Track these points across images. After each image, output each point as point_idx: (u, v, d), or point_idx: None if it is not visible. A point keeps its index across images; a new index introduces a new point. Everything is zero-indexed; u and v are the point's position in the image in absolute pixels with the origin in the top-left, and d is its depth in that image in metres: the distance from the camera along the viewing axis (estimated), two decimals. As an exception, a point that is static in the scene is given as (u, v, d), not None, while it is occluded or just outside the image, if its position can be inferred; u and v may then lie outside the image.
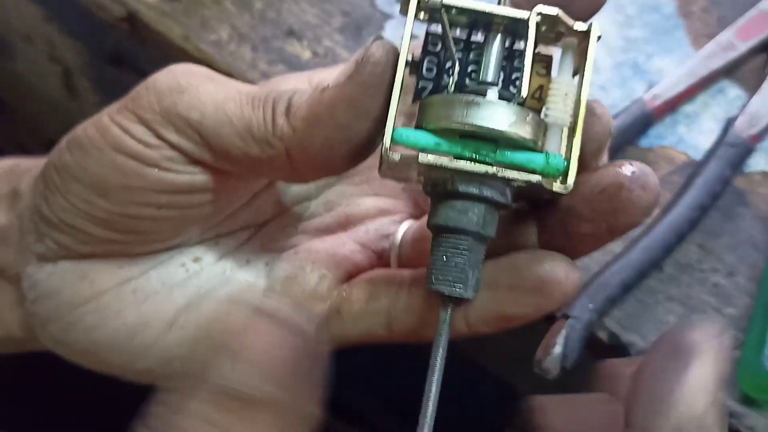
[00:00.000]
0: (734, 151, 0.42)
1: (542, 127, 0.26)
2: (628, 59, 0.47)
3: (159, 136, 0.28)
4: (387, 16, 0.48)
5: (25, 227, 0.31)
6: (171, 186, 0.29)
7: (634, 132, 0.43)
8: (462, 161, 0.25)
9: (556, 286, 0.27)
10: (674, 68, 0.46)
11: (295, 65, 0.46)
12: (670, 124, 0.45)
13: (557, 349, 0.36)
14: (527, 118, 0.25)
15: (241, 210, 0.32)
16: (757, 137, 0.43)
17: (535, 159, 0.25)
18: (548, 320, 0.38)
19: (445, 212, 0.26)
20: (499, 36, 0.27)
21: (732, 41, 0.46)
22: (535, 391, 0.62)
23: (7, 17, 0.78)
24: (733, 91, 0.46)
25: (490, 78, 0.26)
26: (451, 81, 0.27)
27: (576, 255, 0.28)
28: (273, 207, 0.33)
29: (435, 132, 0.25)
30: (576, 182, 0.26)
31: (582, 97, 0.26)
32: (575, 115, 0.26)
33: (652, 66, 0.47)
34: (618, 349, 0.38)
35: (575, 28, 0.27)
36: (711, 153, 0.42)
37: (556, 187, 0.25)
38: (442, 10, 0.26)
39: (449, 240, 0.26)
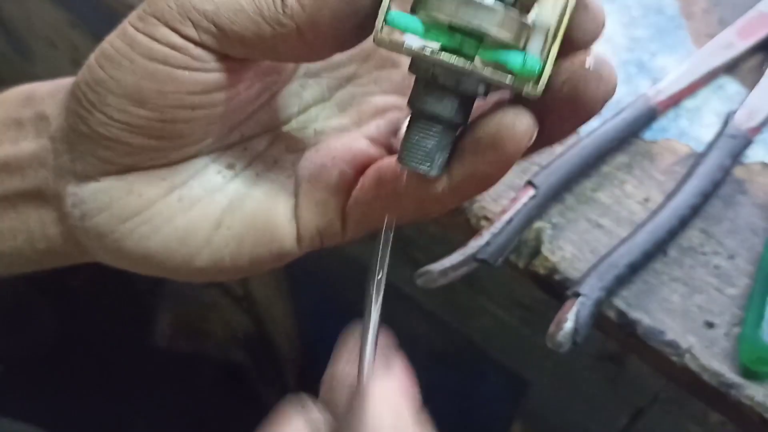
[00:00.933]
0: (734, 142, 0.44)
1: (526, 31, 0.27)
2: (633, 57, 0.50)
3: (183, 35, 0.29)
4: None
5: (60, 148, 0.32)
6: (201, 85, 0.30)
7: (639, 125, 0.46)
8: (444, 54, 0.26)
9: (508, 132, 0.27)
10: (677, 66, 0.48)
11: None
12: (673, 118, 0.47)
13: (569, 325, 0.39)
14: (514, 19, 0.26)
15: (262, 111, 0.33)
16: (756, 129, 0.45)
17: (513, 60, 0.26)
18: (560, 298, 0.41)
19: (423, 97, 0.28)
20: None
21: (732, 40, 0.49)
22: (542, 380, 0.65)
23: (31, 22, 0.80)
24: (732, 87, 0.48)
25: None
26: None
27: (544, 143, 0.29)
28: (291, 109, 0.34)
29: (426, 20, 0.27)
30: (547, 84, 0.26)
31: (569, 2, 0.26)
32: (559, 20, 0.26)
33: (656, 64, 0.49)
34: (626, 326, 0.41)
35: None
36: (712, 144, 0.45)
37: (527, 89, 0.26)
38: None
39: (423, 123, 0.28)
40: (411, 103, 0.28)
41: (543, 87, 0.26)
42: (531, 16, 0.27)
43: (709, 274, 0.42)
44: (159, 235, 0.31)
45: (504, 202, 0.43)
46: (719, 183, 0.44)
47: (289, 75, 0.34)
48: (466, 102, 0.28)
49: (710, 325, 0.40)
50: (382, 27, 0.26)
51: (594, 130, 0.45)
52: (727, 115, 0.46)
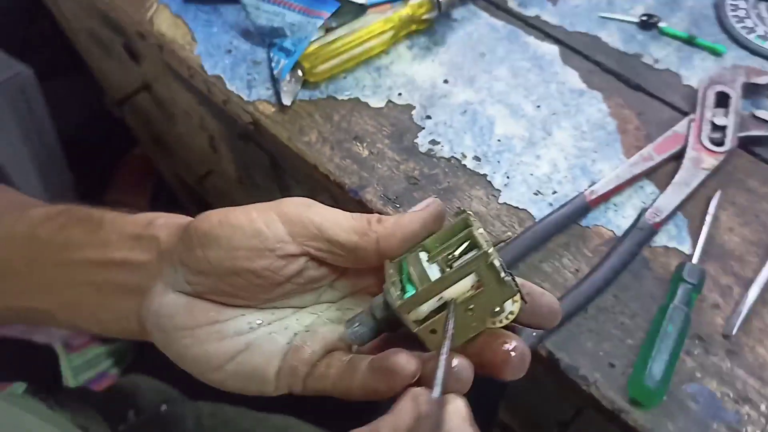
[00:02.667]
0: (642, 233, 0.48)
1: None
2: (579, 163, 0.53)
3: (299, 243, 0.32)
4: (420, 128, 0.56)
5: (163, 262, 0.34)
6: (284, 276, 0.32)
7: (577, 215, 0.49)
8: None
9: (397, 373, 0.29)
10: (610, 171, 0.52)
11: (358, 160, 0.54)
12: (603, 210, 0.51)
13: (510, 361, 0.43)
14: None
15: (297, 295, 0.35)
16: (659, 224, 0.48)
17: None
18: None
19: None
20: None
21: (651, 154, 0.52)
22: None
23: (174, 99, 0.87)
24: (649, 188, 0.51)
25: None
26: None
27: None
28: (312, 300, 0.36)
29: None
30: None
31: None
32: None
33: (596, 168, 0.53)
34: (552, 361, 0.45)
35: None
36: (626, 234, 0.48)
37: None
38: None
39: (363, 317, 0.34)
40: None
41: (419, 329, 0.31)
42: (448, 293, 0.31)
43: (615, 328, 0.45)
44: (194, 349, 0.33)
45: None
46: (628, 263, 0.47)
47: (326, 280, 0.35)
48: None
49: (612, 365, 0.44)
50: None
51: (545, 216, 0.49)
52: (640, 212, 0.49)
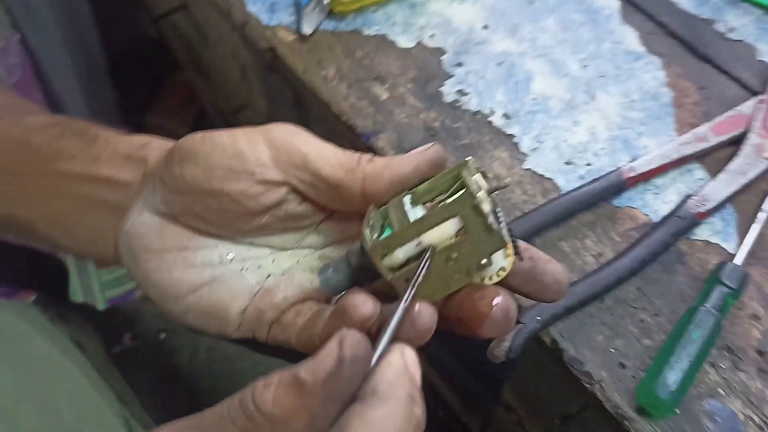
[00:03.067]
0: (681, 222, 0.42)
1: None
2: (622, 134, 0.47)
3: (281, 170, 0.30)
4: (448, 75, 0.50)
5: (147, 182, 0.33)
6: (264, 204, 0.30)
7: (609, 193, 0.44)
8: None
9: (349, 314, 0.27)
10: (657, 147, 0.46)
11: (375, 103, 0.49)
12: (640, 191, 0.44)
13: (505, 344, 0.39)
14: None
15: (277, 234, 0.33)
16: (704, 214, 0.42)
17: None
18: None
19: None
20: None
21: (707, 134, 0.45)
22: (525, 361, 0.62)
23: (209, 23, 0.83)
24: (698, 173, 0.45)
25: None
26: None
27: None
28: (295, 241, 0.34)
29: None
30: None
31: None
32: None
33: (640, 143, 0.46)
34: (555, 351, 0.40)
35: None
36: (663, 221, 0.42)
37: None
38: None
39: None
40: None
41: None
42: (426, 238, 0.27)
43: (633, 324, 0.40)
44: (158, 274, 0.31)
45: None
46: (659, 253, 0.41)
47: (309, 220, 0.33)
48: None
49: (623, 366, 0.39)
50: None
51: (571, 191, 0.44)
52: (683, 198, 0.43)
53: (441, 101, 0.49)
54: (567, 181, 0.45)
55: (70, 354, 0.47)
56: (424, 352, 0.25)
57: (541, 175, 0.45)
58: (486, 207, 0.26)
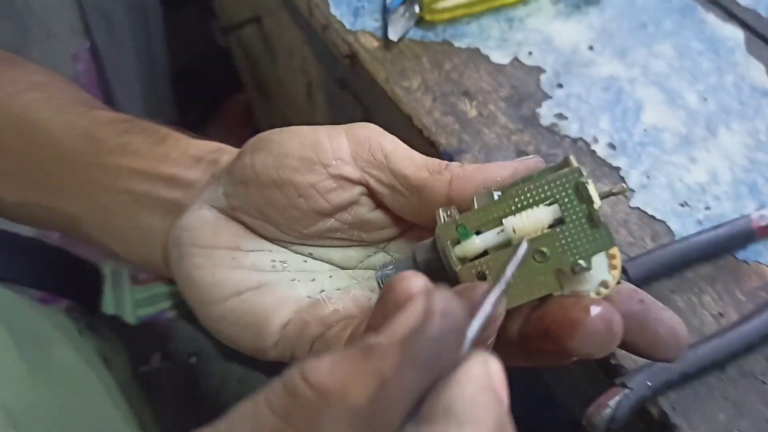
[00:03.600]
0: (826, 285, 0.35)
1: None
2: (748, 178, 0.40)
3: (359, 167, 0.27)
4: (546, 96, 0.45)
5: (213, 180, 0.30)
6: (334, 205, 0.28)
7: (733, 243, 0.37)
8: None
9: (398, 283, 0.21)
10: (790, 196, 0.39)
11: (461, 120, 0.44)
12: (771, 245, 0.38)
13: (608, 411, 0.32)
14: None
15: (337, 251, 0.30)
16: None
17: None
18: (611, 382, 0.34)
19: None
20: None
21: None
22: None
23: (281, 36, 0.81)
24: (843, 230, 0.38)
25: None
26: None
27: (531, 363, 0.25)
28: (358, 261, 0.31)
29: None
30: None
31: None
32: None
33: (769, 190, 0.40)
34: (665, 427, 0.33)
35: None
36: (802, 281, 0.35)
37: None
38: None
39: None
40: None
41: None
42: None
43: (761, 403, 0.33)
44: (203, 271, 0.28)
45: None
46: (798, 320, 0.34)
47: (378, 233, 0.30)
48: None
49: (749, 453, 0.32)
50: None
51: (689, 236, 0.37)
52: (827, 257, 0.36)
53: (536, 123, 0.43)
54: (682, 226, 0.38)
55: (94, 368, 0.44)
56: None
57: (652, 216, 0.39)
58: (594, 192, 0.21)
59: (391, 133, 0.29)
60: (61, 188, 0.35)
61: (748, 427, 0.32)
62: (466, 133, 0.43)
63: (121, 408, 0.44)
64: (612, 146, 0.42)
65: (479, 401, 0.16)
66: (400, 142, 0.28)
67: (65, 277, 0.54)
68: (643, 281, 0.37)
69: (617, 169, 0.41)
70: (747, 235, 0.37)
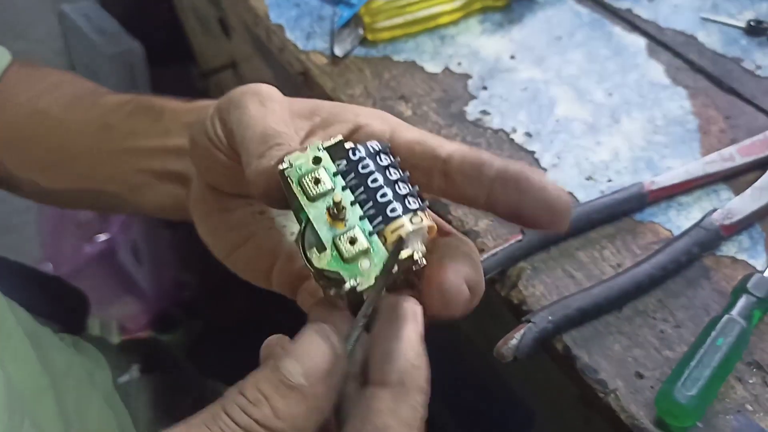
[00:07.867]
0: (705, 233, 0.40)
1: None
2: (645, 155, 0.46)
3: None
4: (473, 97, 0.51)
5: None
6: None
7: (629, 207, 0.42)
8: None
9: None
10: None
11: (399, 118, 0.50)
12: (664, 208, 0.43)
13: (513, 342, 0.36)
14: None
15: None
16: (729, 228, 0.40)
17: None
18: (518, 320, 0.38)
19: None
20: None
21: (733, 154, 0.44)
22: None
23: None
24: (725, 194, 0.43)
25: None
26: None
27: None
28: None
29: None
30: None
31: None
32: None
33: (664, 164, 0.45)
34: (568, 358, 0.37)
35: None
36: (686, 232, 0.40)
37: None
38: None
39: None
40: None
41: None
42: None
43: (653, 335, 0.38)
44: (209, 237, 0.32)
45: (499, 240, 0.42)
46: (682, 264, 0.39)
47: None
48: None
49: (640, 375, 0.36)
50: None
51: (589, 201, 0.42)
52: (708, 212, 0.41)
53: (464, 119, 0.49)
54: (587, 195, 0.44)
55: (81, 381, 0.47)
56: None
57: (561, 189, 0.44)
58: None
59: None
60: (94, 176, 0.39)
61: (640, 355, 0.37)
62: (401, 129, 0.49)
63: (104, 416, 0.47)
64: (528, 134, 0.48)
65: (416, 364, 0.22)
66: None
67: (54, 301, 0.58)
68: (552, 242, 0.42)
69: (532, 152, 0.47)
70: (640, 199, 0.42)
